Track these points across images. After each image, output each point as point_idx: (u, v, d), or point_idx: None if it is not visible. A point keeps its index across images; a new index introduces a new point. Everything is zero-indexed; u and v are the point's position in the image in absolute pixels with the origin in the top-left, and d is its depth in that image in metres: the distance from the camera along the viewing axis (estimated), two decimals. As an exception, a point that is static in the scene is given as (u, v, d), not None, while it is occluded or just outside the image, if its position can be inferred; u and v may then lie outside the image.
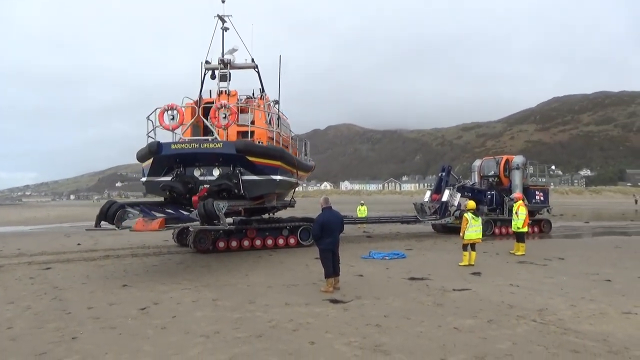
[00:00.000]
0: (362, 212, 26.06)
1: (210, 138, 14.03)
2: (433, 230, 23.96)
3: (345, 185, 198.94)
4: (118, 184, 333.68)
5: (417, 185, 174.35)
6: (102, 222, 10.96)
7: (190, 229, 14.73)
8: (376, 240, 20.23)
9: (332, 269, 9.54)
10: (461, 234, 13.02)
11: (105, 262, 14.17)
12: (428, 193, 23.80)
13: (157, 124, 13.82)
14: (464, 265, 12.52)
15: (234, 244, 16.12)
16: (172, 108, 13.52)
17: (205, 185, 13.41)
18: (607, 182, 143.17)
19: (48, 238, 22.53)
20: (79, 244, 19.13)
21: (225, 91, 15.38)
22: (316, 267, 12.76)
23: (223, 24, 16.05)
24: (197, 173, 13.94)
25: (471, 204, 13.92)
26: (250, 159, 13.57)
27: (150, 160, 13.76)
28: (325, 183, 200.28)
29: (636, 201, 62.19)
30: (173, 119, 13.46)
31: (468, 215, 13.13)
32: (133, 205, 12.12)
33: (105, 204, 11.05)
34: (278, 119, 16.55)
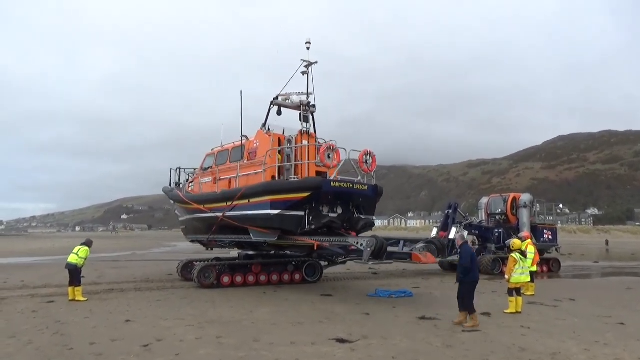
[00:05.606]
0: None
1: (355, 180, 14.68)
2: (440, 268, 23.63)
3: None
4: (124, 216, 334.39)
5: (422, 221, 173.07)
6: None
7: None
8: (382, 277, 19.95)
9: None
10: (507, 277, 11.61)
11: (108, 296, 14.05)
12: (435, 230, 23.65)
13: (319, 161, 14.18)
14: (511, 313, 11.26)
15: (238, 279, 15.95)
16: (332, 148, 14.01)
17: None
18: (615, 221, 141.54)
19: (52, 270, 22.36)
20: (83, 277, 18.94)
21: (307, 131, 15.65)
22: (322, 304, 12.57)
23: (308, 69, 16.12)
24: (324, 210, 14.21)
25: (518, 242, 12.47)
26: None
27: (302, 195, 13.58)
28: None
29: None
30: (329, 157, 13.88)
31: (516, 256, 11.67)
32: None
33: (379, 243, 11.68)
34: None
